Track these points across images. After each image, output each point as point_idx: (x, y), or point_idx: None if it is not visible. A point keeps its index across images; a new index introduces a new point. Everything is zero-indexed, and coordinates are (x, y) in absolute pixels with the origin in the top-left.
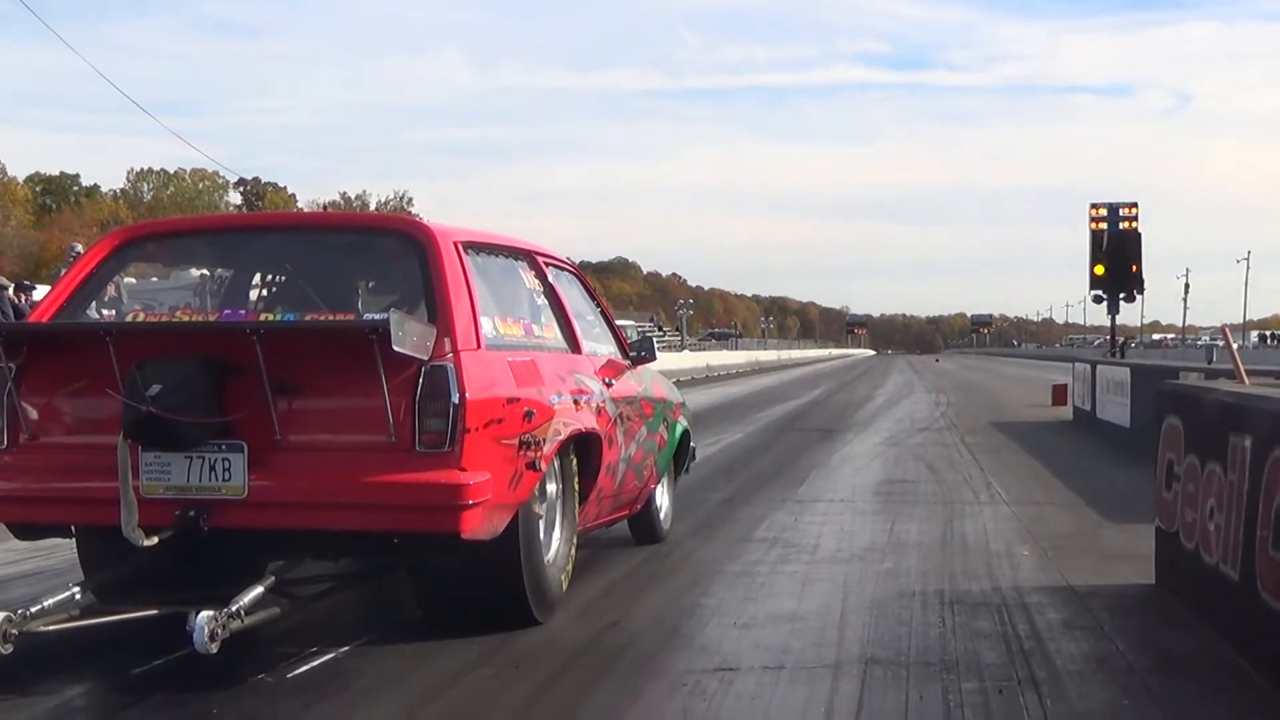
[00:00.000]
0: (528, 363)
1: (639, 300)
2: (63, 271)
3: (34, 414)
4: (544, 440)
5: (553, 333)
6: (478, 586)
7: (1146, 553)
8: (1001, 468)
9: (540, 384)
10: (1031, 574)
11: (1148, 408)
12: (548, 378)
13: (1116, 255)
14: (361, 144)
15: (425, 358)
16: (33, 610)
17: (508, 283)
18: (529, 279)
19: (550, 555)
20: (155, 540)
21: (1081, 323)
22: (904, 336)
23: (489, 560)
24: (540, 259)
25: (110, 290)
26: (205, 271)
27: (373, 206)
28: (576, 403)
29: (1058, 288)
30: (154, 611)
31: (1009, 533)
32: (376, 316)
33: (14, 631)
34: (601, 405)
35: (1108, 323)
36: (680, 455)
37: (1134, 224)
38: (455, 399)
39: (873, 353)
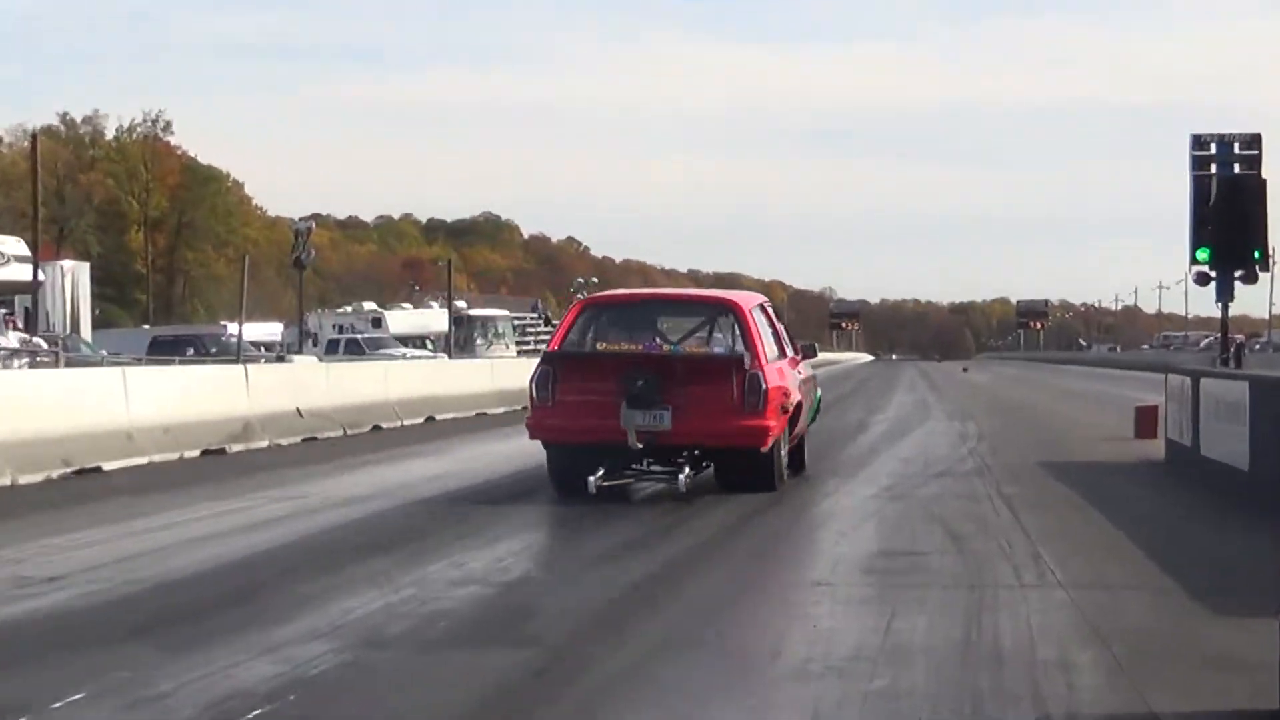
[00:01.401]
0: (780, 368)
1: (515, 278)
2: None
3: (564, 391)
4: (789, 407)
5: (781, 348)
6: (757, 473)
7: (1269, 662)
8: (1056, 532)
9: (785, 379)
10: (1097, 695)
11: (1276, 442)
12: (787, 375)
13: (1230, 213)
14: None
15: (750, 369)
16: (596, 478)
17: (766, 322)
18: (768, 319)
19: (783, 460)
20: (640, 446)
21: (1180, 313)
22: (915, 333)
23: (764, 459)
24: (768, 305)
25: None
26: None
27: (113, 130)
28: (796, 388)
29: (1145, 262)
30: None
31: (1065, 631)
32: (729, 350)
33: (602, 485)
34: (800, 386)
35: (1217, 314)
36: (817, 413)
37: (1257, 167)
38: (761, 385)
39: (869, 357)
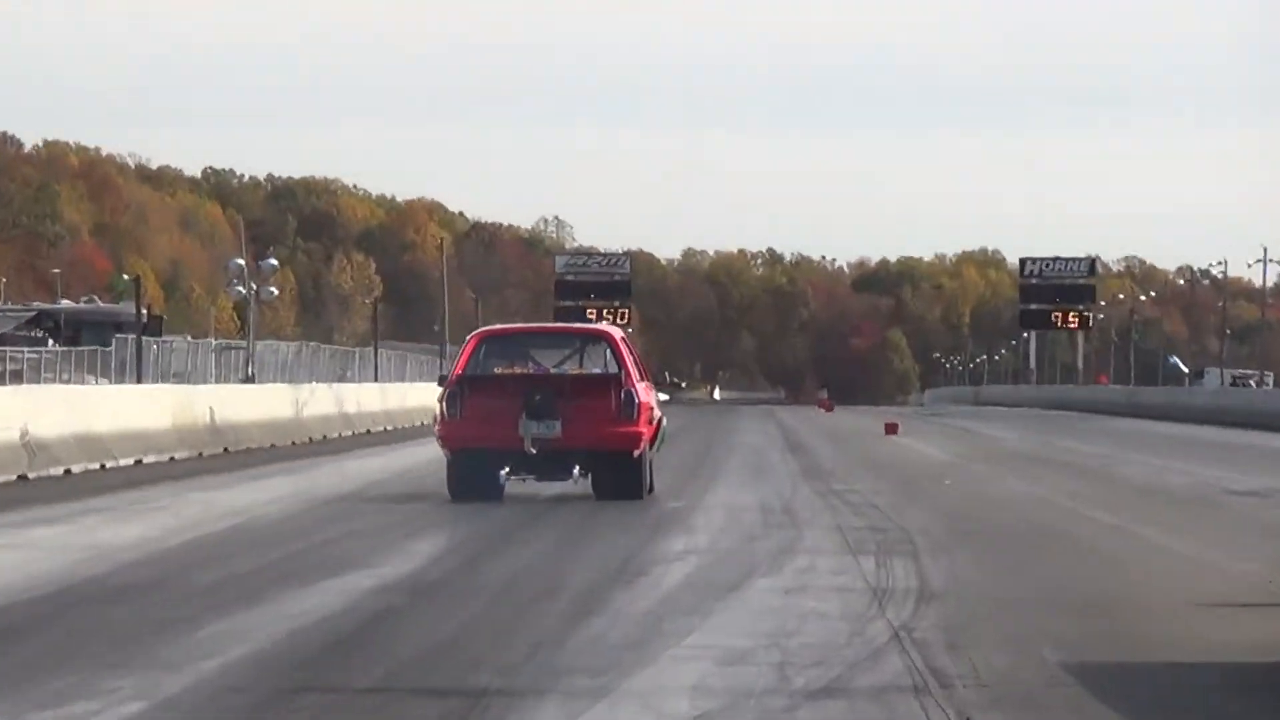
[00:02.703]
0: (646, 387)
1: None
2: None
3: (470, 407)
4: (654, 420)
5: (641, 373)
6: (628, 479)
7: None
8: None
9: (650, 397)
10: None
11: None
12: (651, 394)
13: None
14: None
15: (625, 386)
16: (504, 473)
17: (628, 350)
18: (629, 348)
19: (649, 471)
20: (534, 451)
21: None
22: (779, 351)
23: (635, 465)
24: (627, 338)
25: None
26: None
27: None
28: (657, 406)
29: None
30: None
31: None
32: (607, 371)
33: (509, 479)
34: (657, 404)
35: None
36: (663, 441)
37: None
38: (635, 400)
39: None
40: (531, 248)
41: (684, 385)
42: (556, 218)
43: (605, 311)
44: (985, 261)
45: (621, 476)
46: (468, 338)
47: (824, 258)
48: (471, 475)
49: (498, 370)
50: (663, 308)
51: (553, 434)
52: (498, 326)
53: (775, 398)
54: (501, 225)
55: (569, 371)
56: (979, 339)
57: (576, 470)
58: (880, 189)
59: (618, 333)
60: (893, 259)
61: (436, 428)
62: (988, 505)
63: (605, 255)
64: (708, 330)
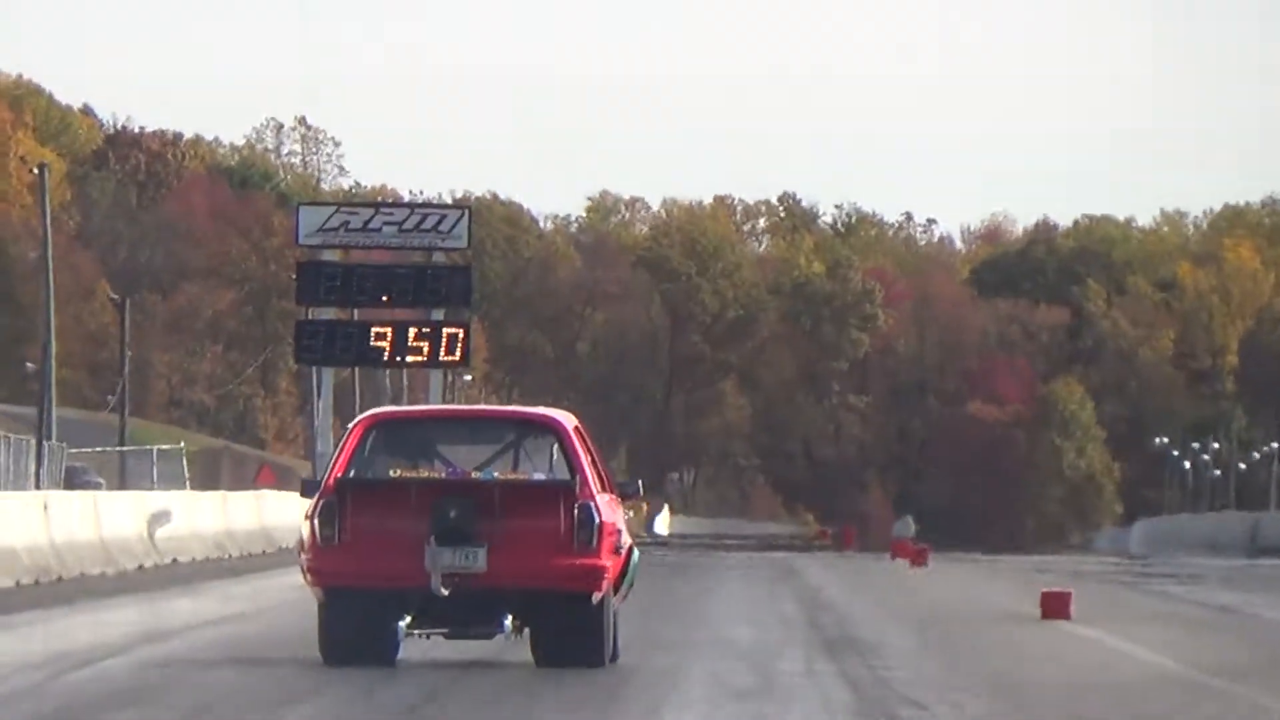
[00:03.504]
0: (610, 501)
1: None
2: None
3: (354, 526)
4: (622, 549)
5: (602, 480)
6: (584, 634)
7: None
8: None
9: (616, 516)
10: None
11: None
12: (617, 512)
13: None
14: None
15: (581, 498)
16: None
17: (583, 447)
18: (584, 443)
19: (613, 623)
20: (446, 592)
21: None
22: (802, 427)
23: (594, 615)
24: (581, 427)
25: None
26: None
27: None
28: (625, 529)
29: None
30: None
31: None
32: (555, 477)
33: (410, 633)
34: (624, 526)
35: None
36: (631, 583)
37: None
38: (599, 520)
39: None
40: (245, 186)
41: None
42: (301, 124)
43: (416, 334)
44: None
45: (574, 632)
46: (351, 425)
47: (907, 217)
48: (354, 627)
49: (395, 473)
50: (545, 323)
51: (474, 567)
52: (393, 409)
53: (798, 534)
54: (168, 135)
55: (499, 476)
56: (1255, 395)
57: (508, 622)
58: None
59: (570, 421)
60: (1061, 218)
61: (303, 557)
62: None
63: (413, 208)
64: (647, 376)
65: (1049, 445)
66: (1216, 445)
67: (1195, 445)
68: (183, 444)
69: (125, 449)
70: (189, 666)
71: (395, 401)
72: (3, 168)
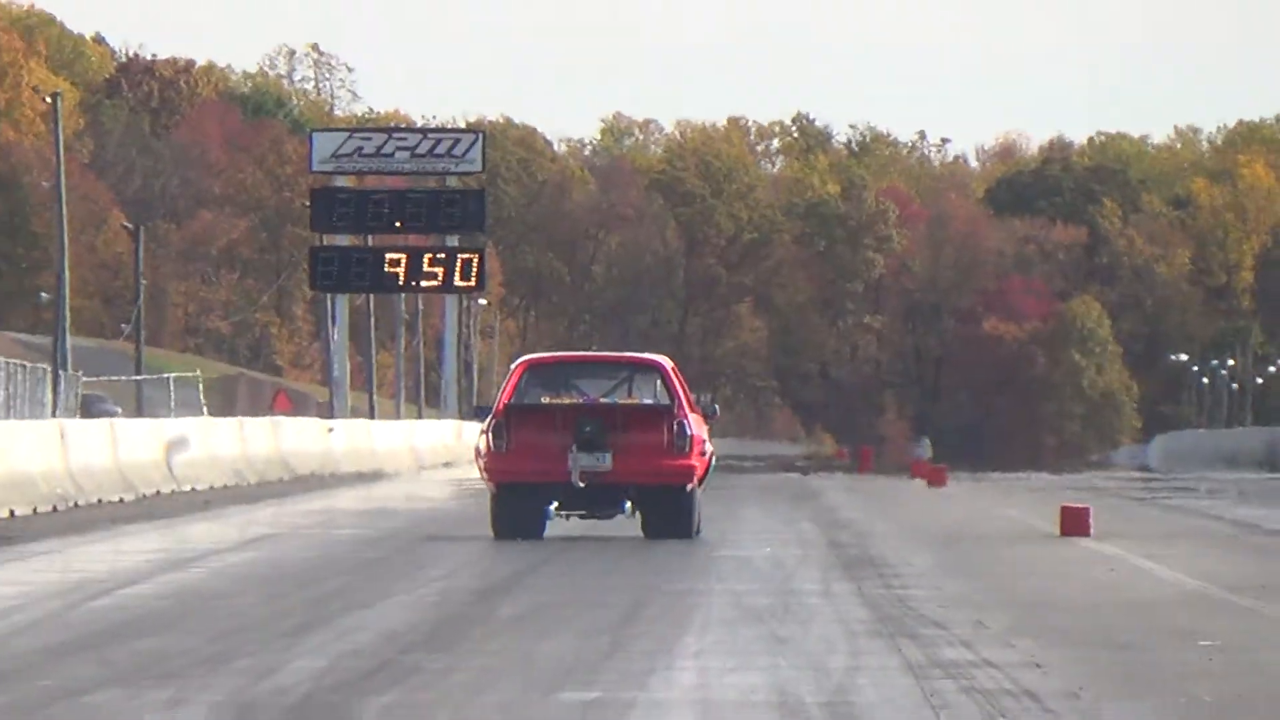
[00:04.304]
0: (698, 419)
1: None
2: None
3: (517, 439)
4: (707, 452)
5: (690, 404)
6: (679, 516)
7: None
8: None
9: (702, 430)
10: None
11: None
12: (702, 427)
13: None
14: None
15: (677, 417)
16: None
17: (678, 381)
18: (679, 378)
19: (699, 509)
20: (583, 485)
21: None
22: (816, 347)
23: (687, 501)
24: (677, 370)
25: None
26: None
27: None
28: (708, 439)
29: None
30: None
31: None
32: (659, 403)
33: (558, 514)
34: (708, 438)
35: None
36: (710, 472)
37: None
38: (687, 432)
39: None
40: (258, 113)
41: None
42: (314, 50)
43: (431, 259)
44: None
45: (672, 513)
46: (512, 366)
47: (921, 136)
48: (517, 510)
49: (545, 400)
50: (560, 247)
51: (603, 467)
52: (543, 355)
53: (816, 455)
54: (180, 62)
55: (620, 402)
56: (1271, 311)
57: (627, 506)
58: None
59: (669, 362)
60: (1075, 136)
61: (480, 460)
62: None
63: (426, 133)
64: (662, 299)
65: (1067, 363)
66: (1233, 361)
67: (1213, 361)
68: (198, 371)
69: (141, 377)
70: (210, 594)
71: (409, 326)
72: (15, 97)
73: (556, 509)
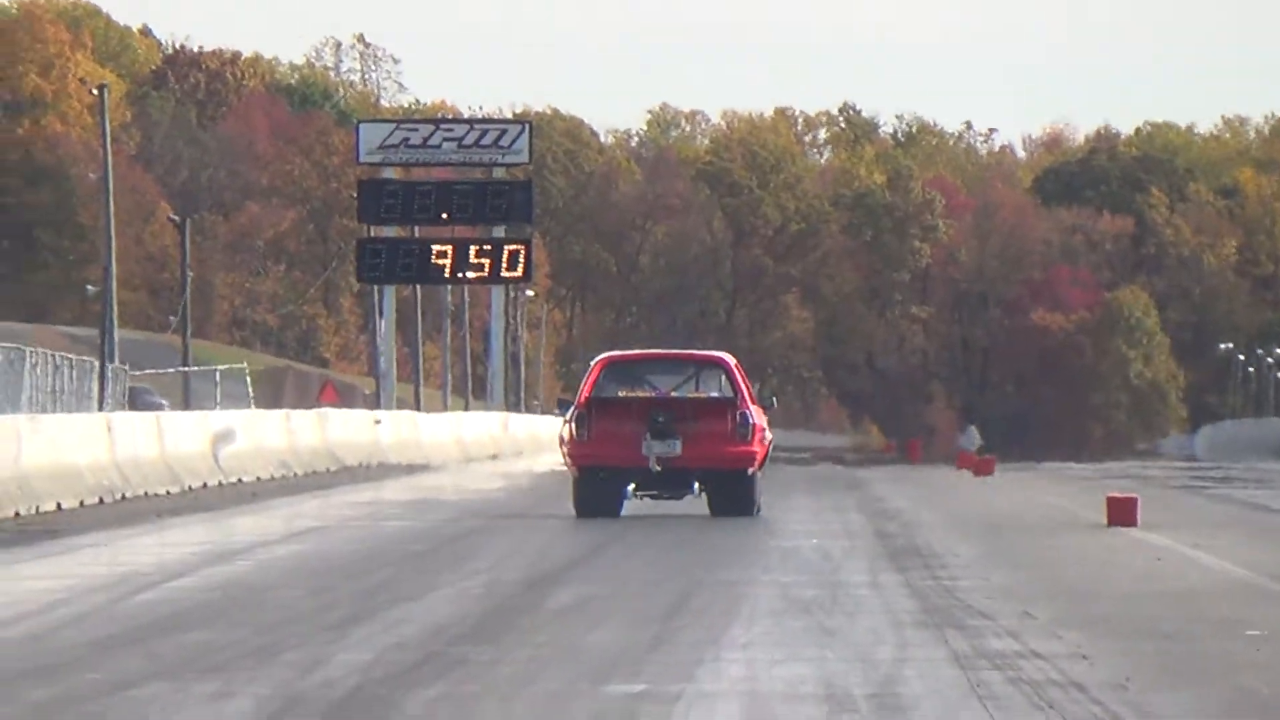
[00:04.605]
0: (760, 410)
1: None
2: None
3: (598, 428)
4: (767, 441)
5: (752, 397)
6: (741, 497)
7: None
8: None
9: (763, 420)
10: None
11: None
12: (763, 417)
13: None
14: None
15: (740, 409)
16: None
17: (741, 376)
18: (742, 373)
19: (759, 490)
20: (659, 469)
21: None
22: (863, 337)
23: (748, 483)
24: (740, 366)
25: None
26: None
27: None
28: (768, 428)
29: None
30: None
31: None
32: (724, 395)
33: (634, 496)
34: (768, 427)
35: None
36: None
37: None
38: (750, 421)
39: None
40: (305, 105)
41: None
42: (360, 42)
43: (477, 251)
44: None
45: (736, 494)
46: (591, 364)
47: (968, 126)
48: (597, 491)
49: (622, 394)
50: (606, 238)
51: (674, 453)
52: (619, 353)
53: (864, 446)
54: (226, 54)
55: (688, 395)
56: None
57: (696, 487)
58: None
59: (732, 360)
60: (1122, 125)
61: (563, 448)
62: None
63: (472, 123)
64: (709, 290)
65: (1115, 353)
66: None
67: (1259, 351)
68: (245, 364)
69: (188, 369)
70: (256, 586)
71: (455, 318)
72: (62, 89)
73: (633, 490)
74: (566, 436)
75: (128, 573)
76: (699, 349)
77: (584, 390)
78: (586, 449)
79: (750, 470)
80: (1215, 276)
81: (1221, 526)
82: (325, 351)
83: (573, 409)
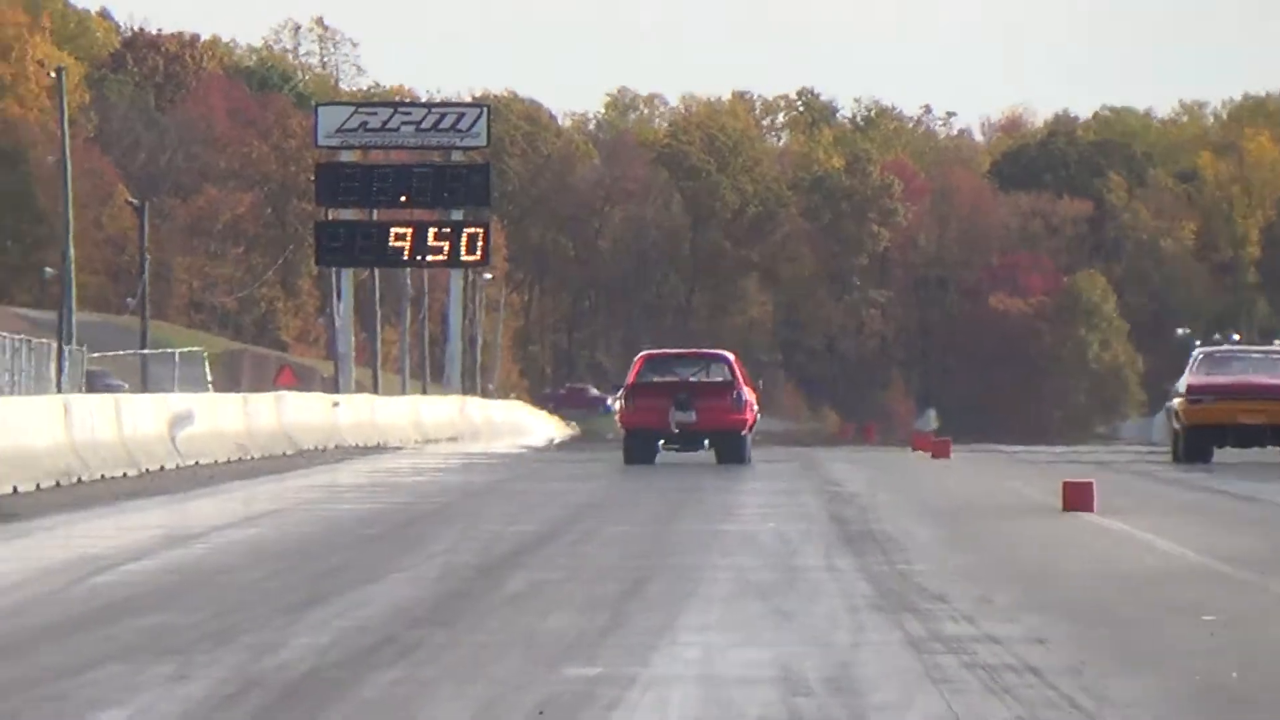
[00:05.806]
0: (752, 389)
1: None
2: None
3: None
4: (756, 411)
5: (746, 381)
6: (738, 450)
7: None
8: None
9: (753, 397)
10: None
11: None
12: (752, 396)
13: None
14: None
15: (736, 389)
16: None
17: (738, 366)
18: (739, 364)
19: (750, 445)
20: (678, 430)
21: None
22: (822, 321)
23: (742, 440)
24: (738, 358)
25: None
26: None
27: None
28: (756, 403)
29: None
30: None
31: None
32: (726, 379)
33: (664, 449)
34: (756, 402)
35: None
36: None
37: None
38: (743, 398)
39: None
40: (263, 88)
41: (610, 401)
42: (319, 25)
43: (436, 234)
44: None
45: (734, 448)
46: (635, 359)
47: (926, 110)
48: (640, 445)
49: (655, 379)
50: (565, 222)
51: (691, 420)
52: (655, 351)
53: (821, 430)
54: (185, 37)
55: (701, 380)
56: (1277, 285)
57: (706, 444)
58: None
59: (732, 355)
60: (1081, 110)
61: (617, 415)
62: None
63: (431, 107)
64: (668, 274)
65: (1073, 338)
66: (1239, 335)
67: (1216, 336)
68: (203, 347)
69: (146, 352)
70: (214, 569)
71: (415, 301)
72: (20, 71)
73: (663, 445)
74: (617, 408)
75: (85, 556)
76: (664, 334)
77: (630, 376)
78: (632, 417)
79: (743, 432)
80: (1174, 261)
81: (1178, 511)
82: (284, 335)
83: (623, 389)
